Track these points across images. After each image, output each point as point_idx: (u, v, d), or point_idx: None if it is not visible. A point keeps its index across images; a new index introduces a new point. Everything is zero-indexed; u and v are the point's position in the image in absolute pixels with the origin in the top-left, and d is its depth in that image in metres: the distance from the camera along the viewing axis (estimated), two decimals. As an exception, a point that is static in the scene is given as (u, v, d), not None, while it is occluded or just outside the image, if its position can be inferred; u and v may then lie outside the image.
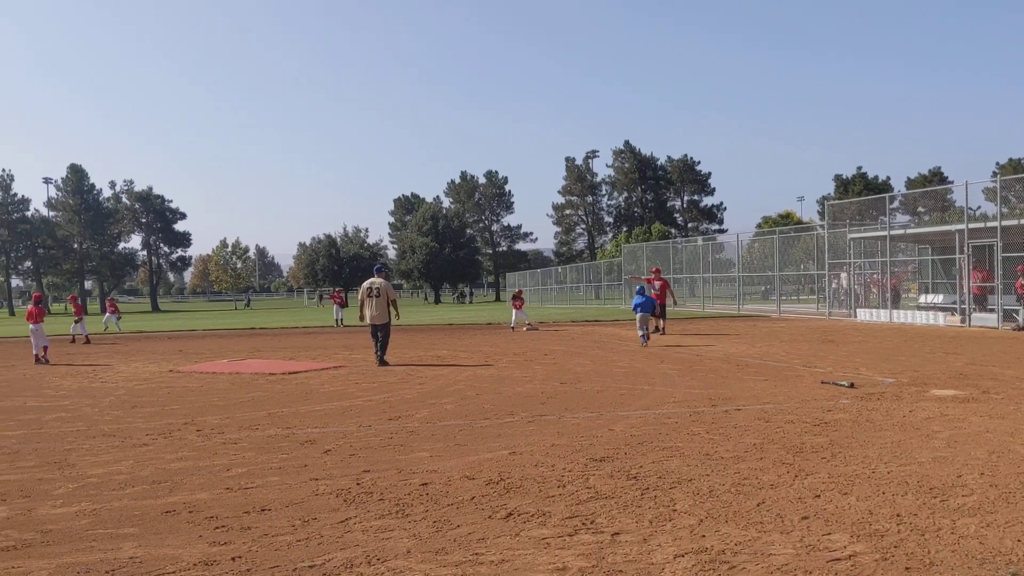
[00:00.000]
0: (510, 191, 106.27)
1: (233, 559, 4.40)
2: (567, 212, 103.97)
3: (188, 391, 12.11)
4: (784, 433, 7.68)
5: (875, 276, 31.14)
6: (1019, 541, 4.42)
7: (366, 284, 16.13)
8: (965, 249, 23.87)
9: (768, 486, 5.71)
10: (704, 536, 4.61)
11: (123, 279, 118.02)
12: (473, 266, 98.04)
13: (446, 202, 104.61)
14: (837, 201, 42.45)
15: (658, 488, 5.72)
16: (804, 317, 31.50)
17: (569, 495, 5.58)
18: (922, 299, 29.35)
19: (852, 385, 10.92)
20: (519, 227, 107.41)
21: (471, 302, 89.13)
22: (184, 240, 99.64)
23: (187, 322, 40.76)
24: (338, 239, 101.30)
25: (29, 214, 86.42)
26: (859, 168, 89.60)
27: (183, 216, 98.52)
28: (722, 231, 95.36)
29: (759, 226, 76.54)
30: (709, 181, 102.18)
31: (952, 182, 78.26)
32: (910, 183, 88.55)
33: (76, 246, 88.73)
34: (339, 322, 33.52)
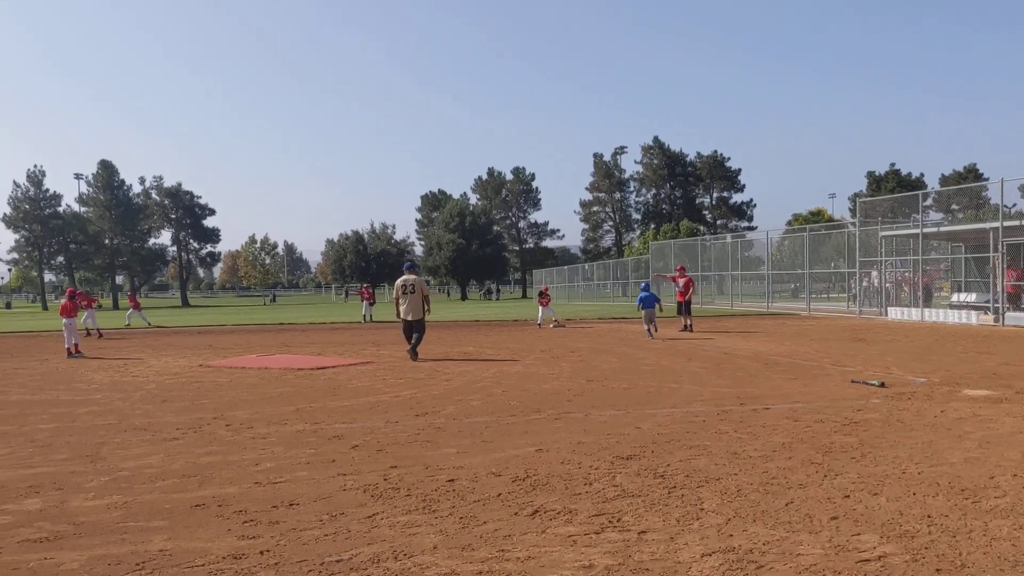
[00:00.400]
0: (537, 188, 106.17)
1: (261, 553, 4.43)
2: (594, 209, 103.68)
3: (218, 386, 12.23)
4: (813, 432, 7.62)
5: (907, 274, 30.79)
6: (1053, 544, 4.36)
7: (400, 282, 16.25)
8: (999, 247, 23.53)
9: (797, 486, 5.66)
10: (732, 535, 4.59)
11: (153, 274, 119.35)
12: (500, 263, 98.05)
13: (473, 199, 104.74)
14: (869, 198, 42.02)
15: (685, 487, 5.69)
16: (834, 315, 31.21)
17: (596, 493, 5.57)
18: (954, 298, 28.96)
19: (883, 384, 10.81)
20: (546, 224, 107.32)
21: (498, 299, 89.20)
22: (213, 236, 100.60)
23: (216, 317, 41.14)
24: (365, 235, 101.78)
25: (61, 210, 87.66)
26: (892, 165, 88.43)
27: (212, 212, 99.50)
28: (751, 228, 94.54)
29: (789, 224, 75.95)
30: (739, 178, 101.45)
31: (987, 179, 77.22)
32: (944, 180, 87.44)
33: (107, 241, 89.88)
34: (367, 318, 33.67)
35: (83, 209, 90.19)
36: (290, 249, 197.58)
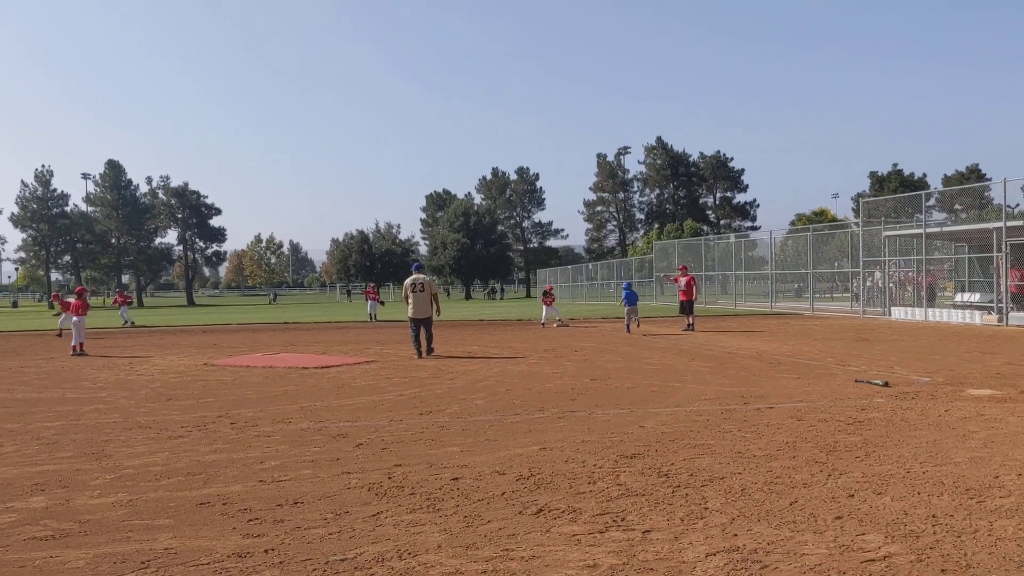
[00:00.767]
0: (541, 188, 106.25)
1: (266, 551, 4.44)
2: (598, 209, 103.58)
3: (222, 384, 12.25)
4: (817, 432, 7.61)
5: (910, 274, 30.73)
6: (1058, 544, 4.35)
7: (409, 281, 16.55)
8: (1003, 247, 23.49)
9: (801, 485, 5.66)
10: (736, 535, 4.59)
11: (159, 274, 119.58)
12: (504, 262, 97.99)
13: (477, 199, 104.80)
14: (872, 198, 41.90)
15: (689, 486, 5.69)
16: (837, 315, 31.17)
17: (600, 492, 5.57)
18: (958, 298, 28.92)
19: (886, 384, 10.79)
20: (550, 224, 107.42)
21: (502, 298, 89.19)
22: (219, 235, 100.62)
23: (221, 316, 41.18)
24: (370, 235, 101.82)
25: (68, 209, 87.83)
26: (895, 165, 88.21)
27: (218, 212, 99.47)
28: (755, 228, 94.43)
29: (792, 224, 75.82)
30: (742, 178, 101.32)
31: (990, 179, 76.86)
32: (947, 180, 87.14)
33: (114, 241, 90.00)
34: (373, 317, 33.69)
35: (90, 209, 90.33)
36: (295, 249, 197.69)
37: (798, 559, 4.18)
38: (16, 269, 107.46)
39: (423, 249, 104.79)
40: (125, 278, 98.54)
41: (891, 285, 30.89)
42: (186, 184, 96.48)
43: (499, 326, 28.10)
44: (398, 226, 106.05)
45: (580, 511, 5.11)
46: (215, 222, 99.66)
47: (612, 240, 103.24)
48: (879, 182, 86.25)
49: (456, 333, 23.60)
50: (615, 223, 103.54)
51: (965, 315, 25.51)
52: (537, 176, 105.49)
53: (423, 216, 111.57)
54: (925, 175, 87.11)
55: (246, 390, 11.53)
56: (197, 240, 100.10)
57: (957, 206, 74.28)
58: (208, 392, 11.39)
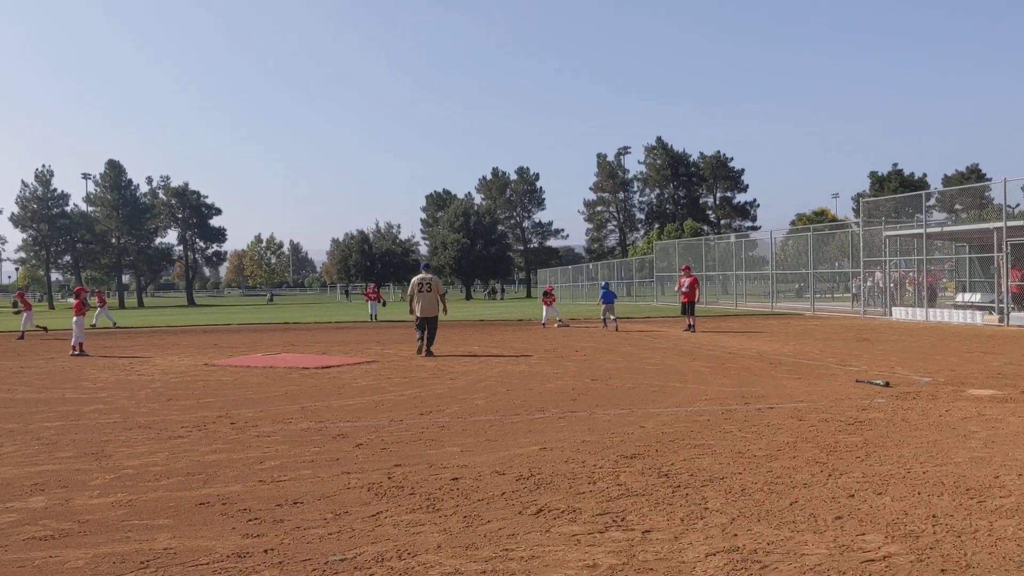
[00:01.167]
0: (541, 188, 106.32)
1: (265, 551, 4.44)
2: (598, 209, 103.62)
3: (223, 384, 12.25)
4: (818, 432, 7.61)
5: (911, 274, 30.73)
6: (1059, 544, 4.34)
7: (416, 280, 16.86)
8: (1003, 247, 23.48)
9: (801, 485, 5.66)
10: (736, 535, 4.58)
11: (159, 274, 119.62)
12: (504, 262, 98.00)
13: (478, 198, 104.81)
14: (872, 198, 41.87)
15: (690, 486, 5.68)
16: (838, 315, 31.17)
17: (600, 492, 5.57)
18: (959, 298, 28.91)
19: (887, 384, 10.79)
20: (550, 224, 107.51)
21: (502, 298, 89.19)
22: (219, 235, 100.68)
23: (222, 316, 41.18)
24: (371, 235, 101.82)
25: (68, 209, 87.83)
26: (895, 165, 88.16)
27: (219, 212, 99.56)
28: (755, 228, 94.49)
29: (793, 224, 75.81)
30: (742, 178, 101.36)
31: (990, 179, 76.85)
32: (947, 180, 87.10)
33: (114, 241, 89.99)
34: (373, 317, 33.69)
35: (90, 209, 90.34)
36: (296, 249, 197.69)
37: (798, 559, 4.17)
38: (16, 269, 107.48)
39: (423, 249, 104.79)
40: (125, 278, 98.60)
41: (891, 285, 30.89)
42: (186, 184, 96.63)
43: (499, 326, 28.11)
44: (398, 226, 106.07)
45: (580, 511, 5.10)
46: (215, 222, 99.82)
47: (612, 240, 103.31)
48: (879, 182, 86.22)
49: (457, 333, 23.60)
50: (615, 223, 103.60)
51: (966, 315, 25.51)
52: (537, 176, 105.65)
53: (423, 216, 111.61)
54: (925, 175, 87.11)
55: (246, 390, 11.53)
56: (197, 240, 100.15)
57: (957, 206, 74.24)
58: (208, 392, 11.39)
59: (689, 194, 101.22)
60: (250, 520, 5.04)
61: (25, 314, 25.93)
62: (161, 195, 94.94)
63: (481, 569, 4.11)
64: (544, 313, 27.28)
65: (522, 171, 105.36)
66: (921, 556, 4.19)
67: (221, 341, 22.36)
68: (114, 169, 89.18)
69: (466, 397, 10.44)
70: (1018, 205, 60.77)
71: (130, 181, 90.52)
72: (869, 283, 32.35)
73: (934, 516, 4.87)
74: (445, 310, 16.97)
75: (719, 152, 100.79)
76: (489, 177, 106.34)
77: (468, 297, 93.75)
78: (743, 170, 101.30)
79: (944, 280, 34.46)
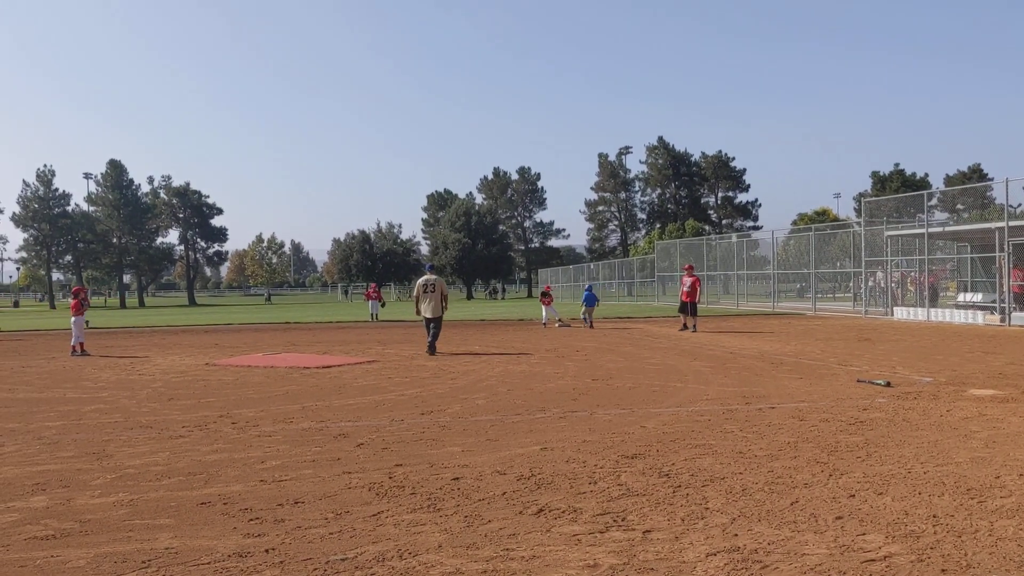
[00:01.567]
0: (543, 187, 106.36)
1: (266, 551, 4.44)
2: (600, 208, 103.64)
3: (224, 384, 12.25)
4: (819, 432, 7.61)
5: (913, 274, 30.71)
6: (1059, 544, 4.34)
7: (421, 281, 17.22)
8: (1005, 247, 23.45)
9: (802, 485, 5.66)
10: (737, 535, 4.58)
11: (160, 273, 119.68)
12: (505, 262, 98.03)
13: (479, 198, 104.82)
14: (874, 198, 41.85)
15: (690, 486, 5.69)
16: (839, 315, 31.15)
17: (600, 492, 5.57)
18: (960, 298, 28.88)
19: (888, 384, 10.78)
20: (551, 223, 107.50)
21: (503, 298, 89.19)
22: (220, 235, 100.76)
23: (223, 316, 41.19)
24: (372, 235, 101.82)
25: (70, 209, 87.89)
26: (897, 165, 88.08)
27: (220, 211, 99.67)
28: (757, 228, 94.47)
29: (794, 224, 75.79)
30: (744, 178, 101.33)
31: (992, 179, 76.80)
32: (949, 180, 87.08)
33: (115, 240, 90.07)
34: (374, 317, 33.70)
35: (92, 208, 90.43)
36: (297, 248, 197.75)
37: (799, 559, 4.17)
38: (17, 269, 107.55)
39: (424, 249, 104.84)
40: (127, 278, 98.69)
41: (893, 285, 30.87)
42: (187, 184, 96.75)
43: (500, 326, 28.11)
44: (399, 226, 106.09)
45: (581, 511, 5.11)
46: (216, 222, 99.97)
47: (614, 240, 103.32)
48: (881, 182, 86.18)
49: (458, 333, 23.60)
50: (617, 223, 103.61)
51: (967, 315, 25.48)
52: (539, 176, 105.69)
53: (424, 216, 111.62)
54: (927, 175, 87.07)
55: (247, 390, 11.53)
56: (198, 240, 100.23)
57: (959, 206, 74.26)
58: (209, 392, 11.39)
59: (691, 194, 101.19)
60: (251, 520, 5.04)
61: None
62: (162, 195, 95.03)
63: (482, 569, 4.11)
64: (544, 313, 27.29)
65: (523, 171, 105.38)
66: (922, 556, 4.19)
67: (222, 341, 22.37)
68: (115, 169, 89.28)
69: (467, 397, 10.44)
70: (1020, 205, 60.74)
71: (131, 181, 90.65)
72: (871, 283, 32.33)
73: (935, 516, 4.87)
74: (446, 308, 17.23)
75: (721, 152, 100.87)
76: (490, 177, 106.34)
77: (469, 297, 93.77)
78: (745, 170, 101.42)
79: (946, 280, 34.43)
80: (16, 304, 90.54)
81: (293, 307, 64.02)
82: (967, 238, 29.70)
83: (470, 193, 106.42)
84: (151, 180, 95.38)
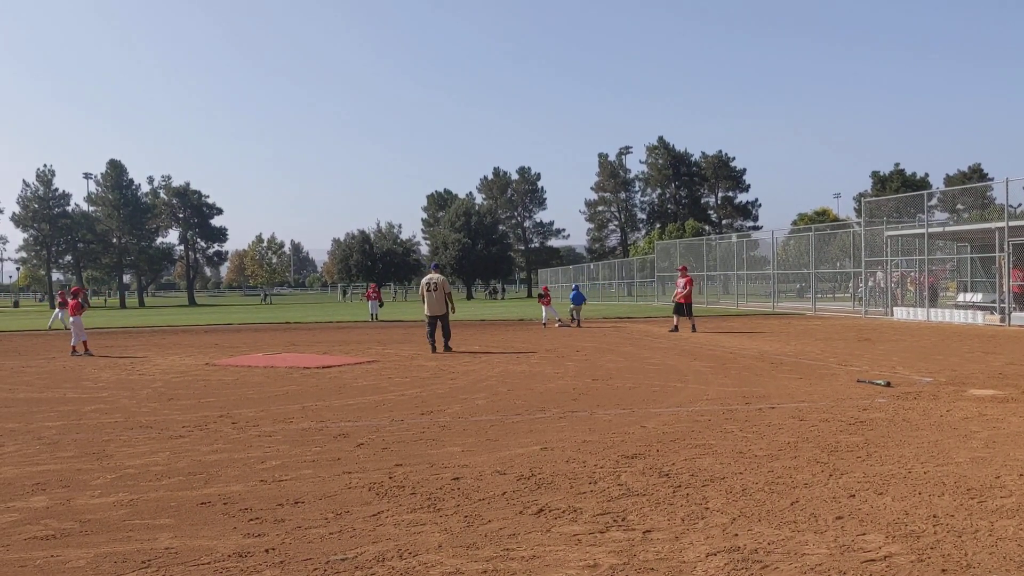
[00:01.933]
0: (543, 187, 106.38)
1: (266, 551, 4.44)
2: (600, 208, 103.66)
3: (224, 384, 12.25)
4: (819, 432, 7.61)
5: (913, 274, 30.71)
6: (1060, 544, 4.34)
7: (425, 280, 17.62)
8: (1005, 247, 23.46)
9: (802, 485, 5.65)
10: (737, 535, 4.58)
11: (160, 273, 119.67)
12: (505, 262, 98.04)
13: (479, 198, 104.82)
14: (874, 198, 41.85)
15: (690, 486, 5.69)
16: (839, 315, 31.15)
17: (600, 492, 5.57)
18: (960, 298, 28.88)
19: (888, 384, 10.78)
20: (551, 223, 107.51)
21: (503, 298, 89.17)
22: (220, 235, 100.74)
23: (223, 316, 41.20)
24: (371, 235, 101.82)
25: (70, 209, 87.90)
26: (897, 165, 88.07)
27: (220, 211, 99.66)
28: (757, 228, 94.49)
29: (794, 224, 75.78)
30: (744, 178, 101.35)
31: (992, 179, 76.82)
32: (949, 180, 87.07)
33: (115, 240, 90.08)
34: (374, 317, 33.71)
35: (92, 208, 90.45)
36: (297, 248, 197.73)
37: (799, 559, 4.17)
38: (17, 269, 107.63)
39: (424, 249, 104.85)
40: (127, 278, 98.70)
41: (893, 285, 30.87)
42: (187, 184, 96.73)
43: (500, 326, 28.11)
44: (399, 226, 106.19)
45: (581, 511, 5.10)
46: (216, 222, 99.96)
47: (614, 240, 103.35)
48: (881, 182, 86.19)
49: (458, 333, 23.56)
50: (617, 223, 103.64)
51: (967, 315, 25.49)
52: (538, 176, 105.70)
53: (424, 216, 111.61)
54: (927, 175, 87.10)
55: (247, 390, 11.53)
56: (198, 240, 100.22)
57: (959, 206, 74.23)
58: (209, 392, 11.39)
59: (690, 194, 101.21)
60: (251, 520, 5.04)
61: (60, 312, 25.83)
62: (162, 195, 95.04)
63: (482, 569, 4.11)
64: (544, 313, 27.30)
65: (523, 171, 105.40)
66: (922, 556, 4.19)
67: (222, 341, 22.38)
68: (115, 169, 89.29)
69: (467, 397, 10.44)
70: (1020, 205, 60.67)
71: (131, 181, 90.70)
72: (871, 283, 32.33)
73: (935, 516, 4.87)
74: (453, 309, 17.56)
75: (721, 152, 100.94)
76: (490, 177, 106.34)
77: (469, 297, 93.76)
78: (745, 170, 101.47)
79: (946, 280, 34.43)
80: (16, 304, 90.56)
81: (292, 307, 64.01)
82: (967, 238, 29.71)
83: (470, 193, 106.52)
84: (151, 180, 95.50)
